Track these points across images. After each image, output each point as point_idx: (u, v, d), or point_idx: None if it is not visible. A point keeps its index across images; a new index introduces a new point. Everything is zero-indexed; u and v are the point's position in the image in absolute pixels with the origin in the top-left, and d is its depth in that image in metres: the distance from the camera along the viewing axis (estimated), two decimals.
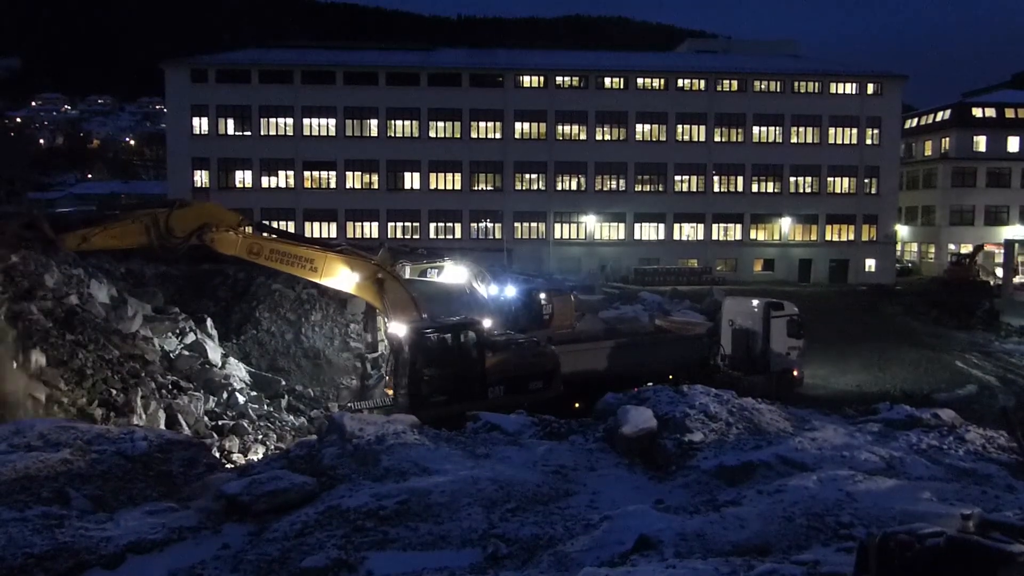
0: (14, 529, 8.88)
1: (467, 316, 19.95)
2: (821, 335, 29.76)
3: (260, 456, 15.69)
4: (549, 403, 17.47)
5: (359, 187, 56.09)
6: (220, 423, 17.76)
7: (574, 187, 57.38)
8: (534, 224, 57.07)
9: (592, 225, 57.11)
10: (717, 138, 57.88)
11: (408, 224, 55.88)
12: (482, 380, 17.97)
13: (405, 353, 17.20)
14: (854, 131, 58.28)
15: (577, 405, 18.10)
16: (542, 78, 57.40)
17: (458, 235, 55.72)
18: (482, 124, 56.82)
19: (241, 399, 19.20)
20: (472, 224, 56.49)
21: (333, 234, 53.30)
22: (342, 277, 17.45)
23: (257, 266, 29.05)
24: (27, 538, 8.71)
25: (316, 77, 55.83)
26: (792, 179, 58.45)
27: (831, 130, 58.29)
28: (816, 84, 58.56)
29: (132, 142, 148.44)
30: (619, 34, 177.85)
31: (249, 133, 55.55)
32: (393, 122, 56.40)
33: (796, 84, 58.44)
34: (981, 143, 63.62)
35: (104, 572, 8.38)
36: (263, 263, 17.38)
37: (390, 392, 18.31)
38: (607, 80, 57.82)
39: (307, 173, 56.09)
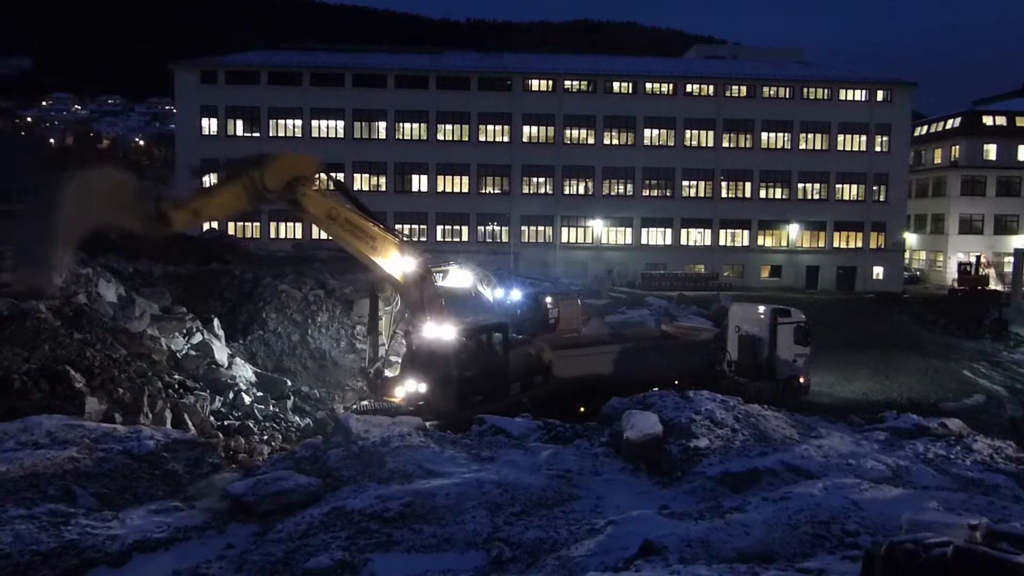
0: (21, 526, 8.94)
1: (485, 318, 20.46)
2: (828, 342, 29.65)
3: (265, 457, 15.71)
4: (553, 407, 17.53)
5: (367, 189, 56.14)
6: (226, 423, 17.78)
7: (581, 191, 57.39)
8: (541, 228, 57.08)
9: (599, 229, 57.09)
10: (725, 144, 57.81)
11: (415, 226, 55.94)
12: (506, 378, 18.65)
13: (447, 355, 17.38)
14: (863, 138, 58.11)
15: (582, 410, 18.12)
16: (550, 82, 57.44)
17: (465, 238, 55.75)
18: (490, 127, 56.88)
19: (247, 399, 19.22)
20: (479, 227, 56.53)
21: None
22: (392, 261, 17.43)
23: (263, 264, 29.18)
24: (34, 535, 8.77)
25: (325, 79, 56.01)
26: (800, 185, 58.32)
27: (840, 137, 58.13)
28: (825, 91, 58.43)
29: (141, 142, 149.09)
30: (628, 39, 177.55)
31: (258, 134, 55.73)
32: (401, 124, 56.51)
33: (805, 90, 58.32)
34: (991, 151, 63.32)
35: (109, 570, 8.43)
36: (335, 229, 16.99)
37: (395, 399, 18.25)
38: (616, 85, 57.82)
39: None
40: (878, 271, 58.08)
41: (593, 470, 11.69)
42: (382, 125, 56.36)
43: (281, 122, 56.04)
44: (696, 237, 57.93)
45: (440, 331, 17.52)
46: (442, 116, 56.26)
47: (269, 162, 15.48)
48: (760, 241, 58.22)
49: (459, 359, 17.57)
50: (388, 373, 19.88)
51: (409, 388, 17.98)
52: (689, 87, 57.96)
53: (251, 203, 15.50)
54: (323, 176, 17.50)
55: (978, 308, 43.66)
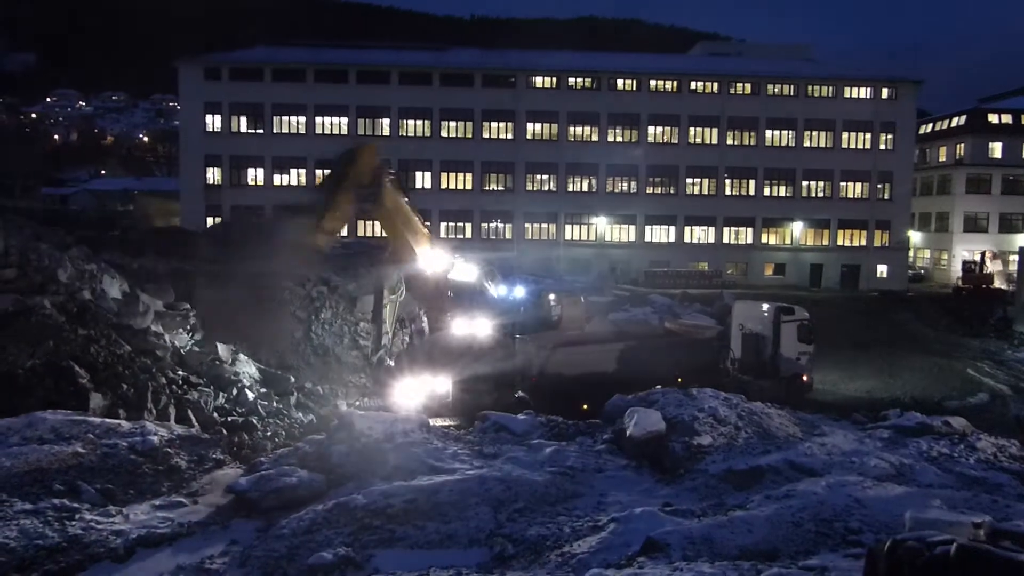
0: (26, 521, 8.96)
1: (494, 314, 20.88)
2: (831, 340, 29.60)
3: (269, 453, 15.72)
4: (557, 404, 17.57)
5: None
6: (229, 419, 17.79)
7: (585, 188, 57.31)
8: (545, 225, 57.04)
9: (603, 227, 57.04)
10: (729, 141, 57.68)
11: None
12: (513, 374, 19.48)
13: (484, 352, 17.81)
14: (868, 136, 57.94)
15: (585, 407, 18.14)
16: (554, 79, 57.37)
17: (469, 235, 55.74)
18: (494, 124, 56.85)
19: (251, 395, 19.24)
20: (483, 224, 56.53)
21: (343, 233, 53.28)
22: (424, 254, 17.93)
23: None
24: (38, 530, 8.79)
25: (329, 76, 56.00)
26: (804, 183, 58.18)
27: (844, 135, 57.96)
28: (830, 88, 58.26)
29: (145, 139, 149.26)
30: (632, 36, 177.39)
31: (262, 131, 55.79)
32: (405, 121, 56.51)
33: (809, 88, 58.15)
34: (997, 150, 63.03)
35: (113, 565, 8.45)
36: (394, 220, 17.26)
37: (399, 400, 18.28)
38: (619, 82, 57.73)
39: (319, 171, 56.18)
40: (882, 269, 57.94)
41: (596, 467, 11.70)
42: (386, 122, 56.36)
43: (285, 119, 56.06)
44: (700, 235, 57.84)
45: (477, 328, 17.84)
46: (446, 113, 56.24)
47: (359, 157, 15.60)
48: (764, 239, 58.11)
49: (495, 355, 18.02)
50: (390, 363, 19.99)
51: (425, 388, 18.01)
52: (693, 84, 57.84)
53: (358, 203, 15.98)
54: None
55: (983, 307, 43.51)
